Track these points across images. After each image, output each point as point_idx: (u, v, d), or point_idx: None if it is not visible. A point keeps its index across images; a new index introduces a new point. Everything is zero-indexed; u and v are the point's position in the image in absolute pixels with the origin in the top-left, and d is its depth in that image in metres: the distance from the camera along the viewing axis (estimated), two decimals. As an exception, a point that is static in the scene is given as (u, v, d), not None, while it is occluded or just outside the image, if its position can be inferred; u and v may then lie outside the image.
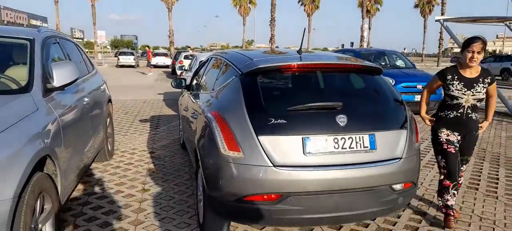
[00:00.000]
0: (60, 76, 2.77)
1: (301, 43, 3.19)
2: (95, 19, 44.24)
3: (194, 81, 4.59)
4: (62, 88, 2.86)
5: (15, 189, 1.88)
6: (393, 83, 7.83)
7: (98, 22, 46.61)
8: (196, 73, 4.77)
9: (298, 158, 2.37)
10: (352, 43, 47.45)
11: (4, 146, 1.94)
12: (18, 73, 2.86)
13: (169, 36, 41.57)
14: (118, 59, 31.56)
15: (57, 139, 2.55)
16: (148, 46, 30.77)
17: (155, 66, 30.34)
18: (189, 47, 27.13)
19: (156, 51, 38.12)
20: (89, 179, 4.06)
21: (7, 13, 67.68)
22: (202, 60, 6.08)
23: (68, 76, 2.84)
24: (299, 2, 53.41)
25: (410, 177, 2.67)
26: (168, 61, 30.17)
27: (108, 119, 4.72)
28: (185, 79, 4.90)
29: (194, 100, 3.77)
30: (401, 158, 2.58)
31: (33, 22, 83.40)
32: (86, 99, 3.57)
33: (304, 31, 3.29)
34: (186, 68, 11.28)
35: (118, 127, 6.81)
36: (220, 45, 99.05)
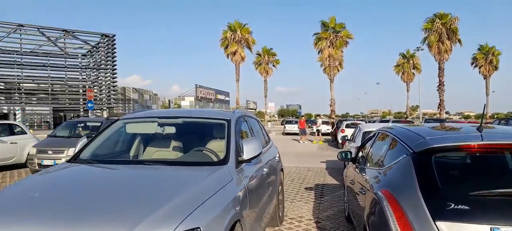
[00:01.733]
0: (249, 150, 3.30)
1: (482, 119, 2.95)
2: (266, 92, 49.73)
3: (360, 154, 4.66)
4: (249, 160, 3.39)
5: (217, 248, 2.30)
6: None
7: (268, 94, 52.31)
8: (362, 146, 4.85)
9: (486, 251, 2.12)
10: (552, 106, 38.67)
11: (210, 210, 2.43)
12: (216, 146, 3.56)
13: (331, 105, 42.90)
14: (284, 127, 34.33)
15: (244, 205, 3.01)
16: (302, 116, 32.60)
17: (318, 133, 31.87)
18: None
19: (319, 120, 39.74)
20: (262, 242, 4.47)
21: (200, 90, 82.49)
22: (366, 132, 6.13)
23: (255, 150, 3.35)
24: (472, 64, 47.95)
25: None
26: (329, 129, 31.46)
27: (280, 187, 5.18)
28: (350, 152, 5.02)
29: (361, 174, 3.83)
30: None
31: (219, 96, 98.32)
32: (265, 169, 4.08)
33: (484, 107, 3.05)
34: (348, 138, 11.37)
35: (286, 193, 7.29)
36: (381, 112, 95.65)
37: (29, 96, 47.72)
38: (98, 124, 10.82)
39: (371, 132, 5.69)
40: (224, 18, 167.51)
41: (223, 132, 3.61)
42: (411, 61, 52.01)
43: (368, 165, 3.90)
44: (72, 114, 48.74)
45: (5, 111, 45.31)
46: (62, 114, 50.78)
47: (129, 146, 4.13)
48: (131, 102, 69.21)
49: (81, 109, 50.71)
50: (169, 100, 76.37)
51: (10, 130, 11.38)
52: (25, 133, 11.77)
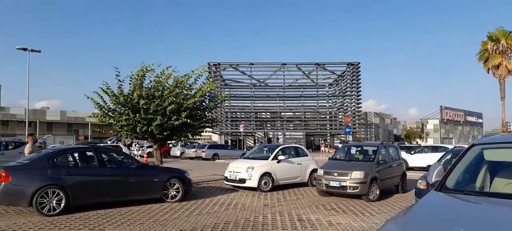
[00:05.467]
0: None
1: None
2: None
3: None
4: None
5: None
6: None
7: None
8: None
9: None
10: None
11: None
12: None
13: None
14: None
15: None
16: None
17: None
18: None
19: None
20: None
21: (446, 112, 74.48)
22: None
23: None
24: None
25: None
26: None
27: None
28: None
29: None
30: None
31: (469, 118, 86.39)
32: None
33: None
34: None
35: None
36: None
37: (287, 123, 55.72)
38: (375, 148, 10.92)
39: None
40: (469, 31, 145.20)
41: None
42: None
43: None
44: (319, 138, 53.34)
45: (270, 136, 54.53)
46: (312, 138, 56.47)
47: (474, 174, 3.63)
48: (373, 126, 69.40)
49: (328, 134, 54.88)
50: (422, 124, 72.14)
51: (296, 152, 13.13)
52: (307, 155, 13.32)
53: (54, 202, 7.53)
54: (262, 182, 11.33)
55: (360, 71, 52.06)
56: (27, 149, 9.52)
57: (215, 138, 54.28)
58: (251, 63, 52.28)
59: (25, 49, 28.22)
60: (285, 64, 52.27)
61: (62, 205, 7.58)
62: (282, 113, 55.48)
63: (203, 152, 30.07)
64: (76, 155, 8.65)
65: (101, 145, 18.18)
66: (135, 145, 33.68)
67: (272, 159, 11.93)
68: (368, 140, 61.48)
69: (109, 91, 11.87)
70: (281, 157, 12.05)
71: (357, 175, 9.65)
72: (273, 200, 9.88)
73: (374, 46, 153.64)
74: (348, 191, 9.68)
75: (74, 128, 60.35)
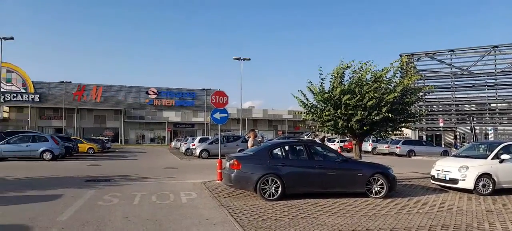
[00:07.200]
0: None
1: None
2: None
3: None
4: None
5: None
6: None
7: None
8: None
9: None
10: None
11: None
12: None
13: None
14: None
15: None
16: None
17: None
18: None
19: None
20: None
21: None
22: None
23: None
24: None
25: None
26: None
27: None
28: None
29: None
30: None
31: None
32: None
33: None
34: None
35: None
36: None
37: (500, 116, 46.53)
38: None
39: None
40: None
41: None
42: None
43: None
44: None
45: (477, 131, 46.71)
46: (536, 134, 45.31)
47: None
48: None
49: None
50: None
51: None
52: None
53: (273, 188, 8.62)
54: (480, 184, 9.86)
55: None
56: (250, 142, 11.27)
57: (408, 132, 50.51)
58: (451, 50, 46.08)
59: (239, 59, 33.39)
60: (497, 46, 43.68)
61: (279, 192, 8.59)
62: (493, 105, 46.67)
63: (397, 147, 28.56)
64: (288, 148, 9.65)
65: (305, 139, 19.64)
66: (326, 139, 34.93)
67: (493, 158, 10.21)
68: None
69: (314, 89, 12.66)
70: (505, 156, 10.19)
71: None
72: (498, 206, 8.46)
73: None
74: None
75: (274, 124, 68.23)
